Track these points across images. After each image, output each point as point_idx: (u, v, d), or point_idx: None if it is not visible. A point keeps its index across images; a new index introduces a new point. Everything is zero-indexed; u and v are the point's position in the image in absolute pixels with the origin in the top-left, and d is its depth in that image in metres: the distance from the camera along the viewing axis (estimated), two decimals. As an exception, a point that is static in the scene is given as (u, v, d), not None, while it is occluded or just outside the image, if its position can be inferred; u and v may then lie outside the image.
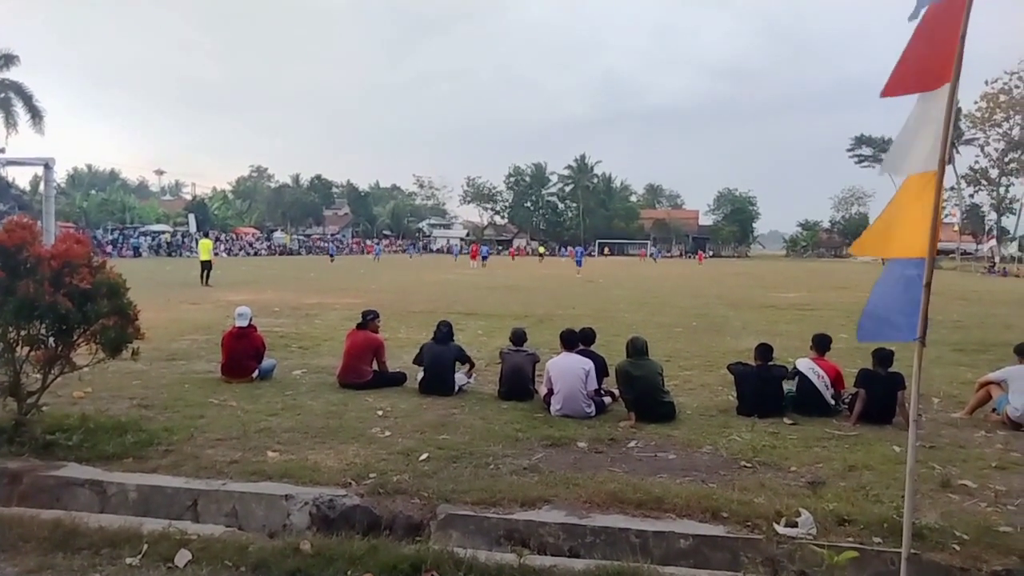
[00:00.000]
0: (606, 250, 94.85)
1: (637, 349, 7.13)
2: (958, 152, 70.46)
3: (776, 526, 4.27)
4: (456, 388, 7.85)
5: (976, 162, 75.42)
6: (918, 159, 3.46)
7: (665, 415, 6.84)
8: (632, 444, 6.11)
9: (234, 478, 5.01)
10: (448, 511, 4.55)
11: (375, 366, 8.25)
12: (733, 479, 5.20)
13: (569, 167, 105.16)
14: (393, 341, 10.52)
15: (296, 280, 29.44)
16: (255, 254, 71.07)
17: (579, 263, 46.24)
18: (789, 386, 7.35)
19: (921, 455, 5.36)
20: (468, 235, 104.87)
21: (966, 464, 5.65)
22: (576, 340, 7.54)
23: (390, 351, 8.86)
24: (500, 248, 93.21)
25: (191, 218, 71.49)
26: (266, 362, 8.56)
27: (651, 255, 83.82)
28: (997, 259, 63.45)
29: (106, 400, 7.08)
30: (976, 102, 71.21)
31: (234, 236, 79.53)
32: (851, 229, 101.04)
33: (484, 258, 50.76)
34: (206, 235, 39.52)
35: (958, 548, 4.03)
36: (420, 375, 8.00)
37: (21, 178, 64.57)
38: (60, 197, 65.13)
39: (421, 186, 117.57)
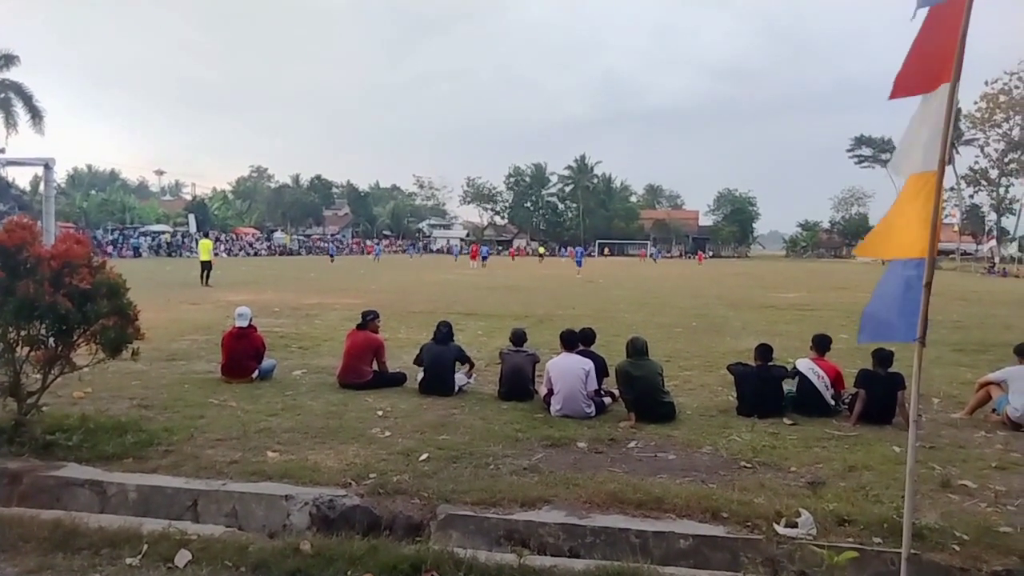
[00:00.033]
0: (606, 250, 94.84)
1: (637, 349, 7.13)
2: (958, 152, 70.57)
3: (776, 526, 4.27)
4: (456, 388, 7.85)
5: (976, 162, 75.69)
6: (917, 159, 3.47)
7: (665, 415, 6.84)
8: (632, 444, 6.11)
9: (234, 478, 5.01)
10: (448, 511, 4.55)
11: (375, 366, 8.25)
12: (733, 479, 5.20)
13: (569, 167, 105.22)
14: (393, 341, 10.52)
15: (296, 280, 29.44)
16: (255, 254, 71.08)
17: (579, 263, 46.25)
18: (789, 386, 7.35)
19: (921, 455, 5.36)
20: (468, 235, 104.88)
21: (966, 464, 5.65)
22: (576, 340, 7.54)
23: (390, 351, 8.87)
24: (500, 248, 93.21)
25: (191, 218, 71.50)
26: (266, 362, 8.56)
27: (651, 255, 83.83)
28: (997, 259, 63.43)
29: (106, 400, 7.08)
30: (976, 102, 71.43)
31: (234, 236, 79.54)
32: (851, 229, 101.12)
33: (484, 258, 50.76)
34: (206, 235, 39.58)
35: (958, 548, 4.03)
36: (420, 375, 8.00)
37: (21, 178, 64.78)
38: (60, 197, 65.03)
39: (421, 186, 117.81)
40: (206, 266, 25.24)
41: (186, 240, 66.05)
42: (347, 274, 35.25)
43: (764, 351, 7.33)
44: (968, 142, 74.08)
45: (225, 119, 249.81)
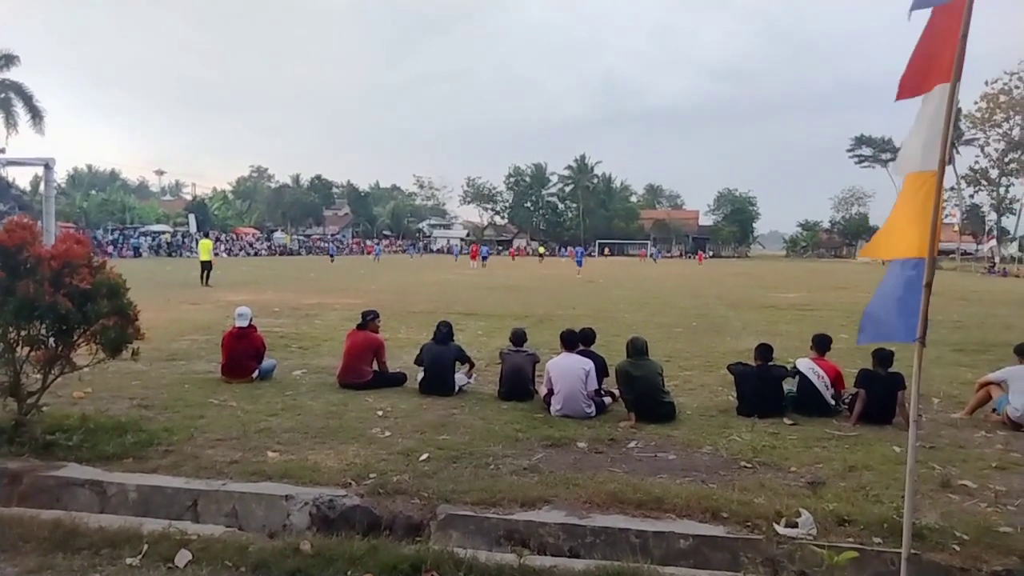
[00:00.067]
0: (606, 250, 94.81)
1: (637, 349, 7.13)
2: (958, 152, 70.58)
3: (776, 526, 4.27)
4: (456, 388, 7.85)
5: (976, 162, 75.67)
6: (915, 159, 3.47)
7: (665, 415, 6.84)
8: (632, 444, 6.11)
9: (234, 478, 5.01)
10: (448, 511, 4.55)
11: (375, 366, 8.25)
12: (733, 479, 5.20)
13: (569, 167, 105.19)
14: (393, 341, 10.52)
15: (296, 280, 29.44)
16: (255, 254, 71.09)
17: (579, 263, 46.25)
18: (789, 386, 7.35)
19: (921, 455, 5.36)
20: (468, 235, 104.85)
21: (966, 464, 5.65)
22: (576, 340, 7.54)
23: (390, 351, 8.87)
24: (500, 248, 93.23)
25: (191, 218, 71.49)
26: (266, 362, 8.56)
27: (651, 255, 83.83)
28: (997, 259, 63.46)
29: (106, 400, 7.08)
30: (976, 102, 71.42)
31: (234, 236, 79.55)
32: (851, 229, 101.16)
33: (484, 258, 50.76)
34: (206, 235, 39.57)
35: (958, 548, 4.03)
36: (420, 375, 8.00)
37: (21, 178, 64.76)
38: (60, 197, 65.04)
39: (421, 186, 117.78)
40: (206, 266, 25.24)
41: (186, 240, 66.06)
42: (347, 274, 35.25)
43: (764, 351, 7.33)
44: (968, 142, 74.10)
45: (225, 119, 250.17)
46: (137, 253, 58.45)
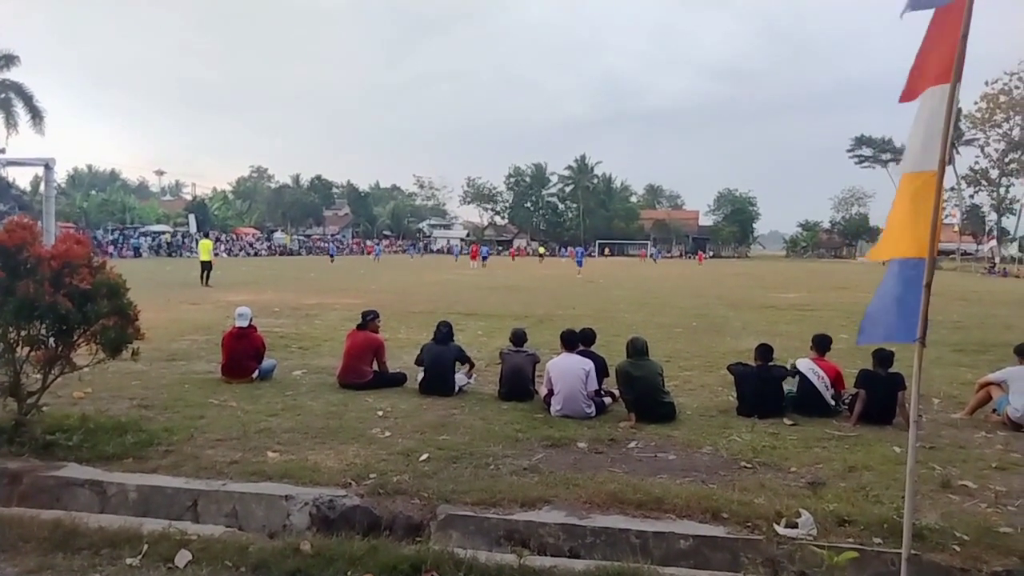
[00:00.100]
0: (606, 251, 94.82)
1: (637, 349, 7.13)
2: (958, 153, 70.60)
3: (776, 527, 4.27)
4: (456, 388, 7.84)
5: (976, 163, 75.68)
6: (911, 158, 3.47)
7: (665, 415, 6.84)
8: (632, 445, 6.11)
9: (234, 478, 5.01)
10: (448, 511, 4.55)
11: (375, 366, 8.25)
12: (733, 480, 5.20)
13: (569, 167, 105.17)
14: (393, 341, 10.52)
15: (296, 280, 29.44)
16: (255, 254, 71.09)
17: (580, 263, 46.24)
18: (789, 386, 7.35)
19: (921, 456, 5.36)
20: (468, 235, 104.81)
21: (966, 465, 5.64)
22: (576, 340, 7.54)
23: (390, 351, 8.87)
24: (500, 248, 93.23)
25: (191, 218, 71.49)
26: (266, 362, 8.56)
27: (651, 255, 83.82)
28: (997, 260, 63.47)
29: (106, 400, 7.08)
30: (976, 103, 71.46)
31: (234, 236, 79.57)
32: (851, 230, 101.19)
33: (484, 258, 50.76)
34: (206, 235, 39.61)
35: (958, 549, 4.03)
36: (420, 375, 8.00)
37: (22, 178, 64.76)
38: (60, 197, 64.98)
39: (421, 186, 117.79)
40: (206, 266, 25.24)
41: (186, 240, 66.06)
42: (347, 274, 35.25)
43: (764, 351, 7.33)
44: (968, 142, 74.13)
45: (225, 119, 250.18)
46: (137, 253, 58.45)
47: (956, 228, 74.76)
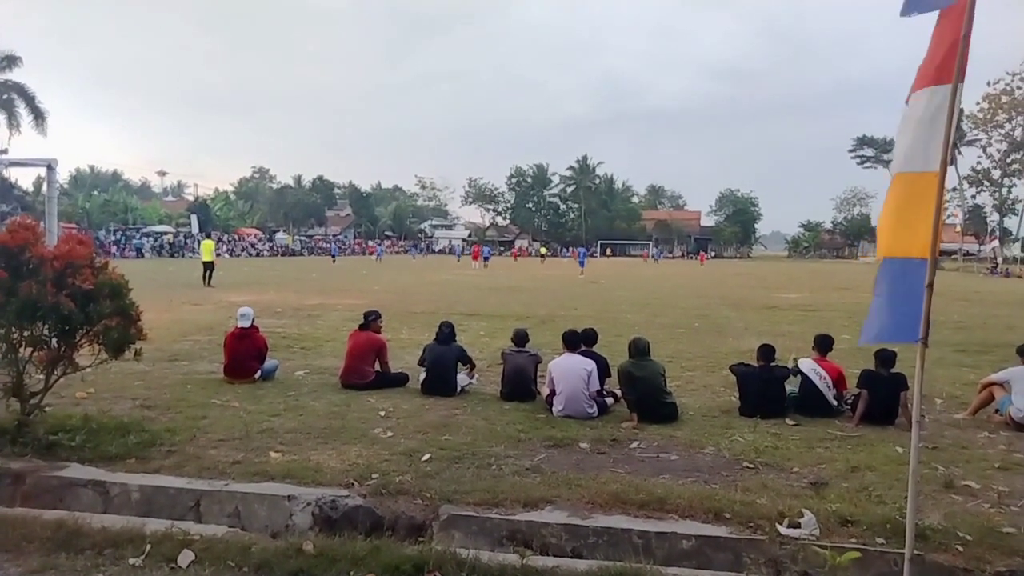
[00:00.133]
0: (608, 251, 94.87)
1: (639, 350, 7.13)
2: (960, 153, 70.48)
3: (779, 527, 4.26)
4: (458, 389, 7.85)
5: (978, 163, 75.54)
6: (910, 158, 3.46)
7: (667, 416, 6.83)
8: (634, 445, 6.11)
9: (237, 479, 5.02)
10: (450, 512, 4.55)
11: (377, 367, 8.25)
12: (736, 480, 5.19)
13: (571, 168, 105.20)
14: (395, 342, 10.52)
15: (298, 281, 29.46)
16: (257, 255, 71.14)
17: (582, 264, 46.22)
18: (791, 387, 7.35)
19: (924, 456, 5.36)
20: (470, 236, 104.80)
21: (969, 465, 5.64)
22: (578, 341, 7.54)
23: (392, 352, 8.87)
24: (502, 249, 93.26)
25: (193, 219, 71.63)
26: (268, 363, 8.56)
27: (653, 256, 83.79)
28: (999, 260, 63.36)
29: (109, 401, 7.09)
30: (978, 103, 71.37)
31: (236, 237, 79.67)
32: (853, 230, 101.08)
33: (486, 259, 50.75)
34: (208, 236, 39.74)
35: (961, 549, 4.02)
36: (422, 376, 8.00)
37: (24, 179, 64.61)
38: (63, 198, 65.20)
39: (423, 187, 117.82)
40: (208, 267, 25.26)
41: (188, 241, 66.13)
42: (349, 275, 35.28)
43: (766, 351, 7.32)
44: (971, 142, 74.04)
45: (227, 120, 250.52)
46: (139, 254, 58.52)
47: (958, 228, 74.70)
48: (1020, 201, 75.57)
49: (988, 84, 69.86)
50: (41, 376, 5.69)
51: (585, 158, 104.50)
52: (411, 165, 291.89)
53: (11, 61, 46.71)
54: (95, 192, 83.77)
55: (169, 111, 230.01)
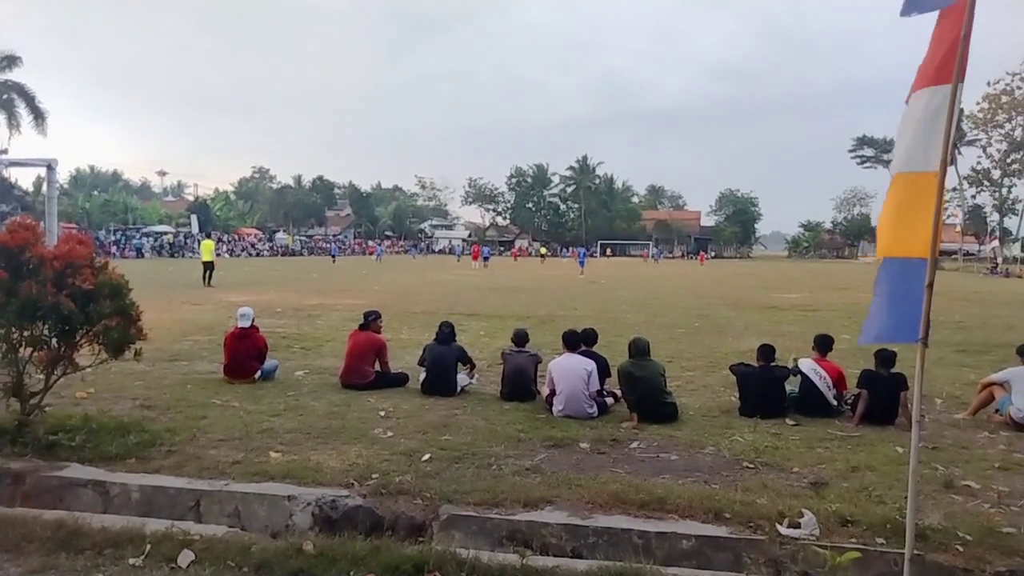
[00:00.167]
0: (608, 251, 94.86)
1: (639, 350, 7.13)
2: (960, 153, 70.46)
3: (779, 527, 4.26)
4: (458, 389, 7.85)
5: (978, 163, 75.51)
6: (909, 158, 3.46)
7: (667, 416, 6.83)
8: (634, 445, 6.11)
9: (237, 479, 5.01)
10: (451, 512, 4.55)
11: (377, 367, 8.25)
12: (736, 480, 5.19)
13: (571, 168, 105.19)
14: (395, 342, 10.52)
15: (298, 281, 29.46)
16: (257, 255, 71.14)
17: (582, 264, 46.23)
18: (791, 387, 7.35)
19: (924, 456, 5.36)
20: (470, 236, 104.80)
21: (969, 465, 5.64)
22: (578, 341, 7.54)
23: (392, 352, 8.87)
24: (502, 249, 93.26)
25: (193, 219, 71.63)
26: (268, 363, 8.56)
27: (653, 256, 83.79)
28: (999, 260, 63.36)
29: (109, 401, 7.09)
30: (978, 103, 71.33)
31: (236, 237, 79.68)
32: (853, 230, 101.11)
33: (486, 259, 50.75)
34: (208, 236, 39.73)
35: (961, 549, 4.02)
36: (422, 376, 8.00)
37: (24, 179, 64.61)
38: (63, 198, 65.19)
39: (423, 187, 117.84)
40: (208, 267, 25.27)
41: (188, 241, 66.15)
42: (349, 275, 35.28)
43: (766, 351, 7.32)
44: (971, 142, 74.03)
45: (227, 119, 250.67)
46: (139, 254, 58.53)
47: (958, 228, 74.68)
48: (1020, 201, 75.67)
49: (988, 84, 69.94)
50: (41, 376, 5.69)
51: (585, 158, 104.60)
52: (411, 165, 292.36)
53: (11, 61, 46.70)
54: (95, 192, 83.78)
55: (169, 111, 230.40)
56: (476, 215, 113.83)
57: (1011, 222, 79.32)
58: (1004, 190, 75.76)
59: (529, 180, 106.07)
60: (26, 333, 5.49)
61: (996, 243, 68.99)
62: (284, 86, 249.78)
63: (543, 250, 77.52)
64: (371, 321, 8.56)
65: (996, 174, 75.01)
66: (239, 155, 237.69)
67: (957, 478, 5.23)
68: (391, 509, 4.66)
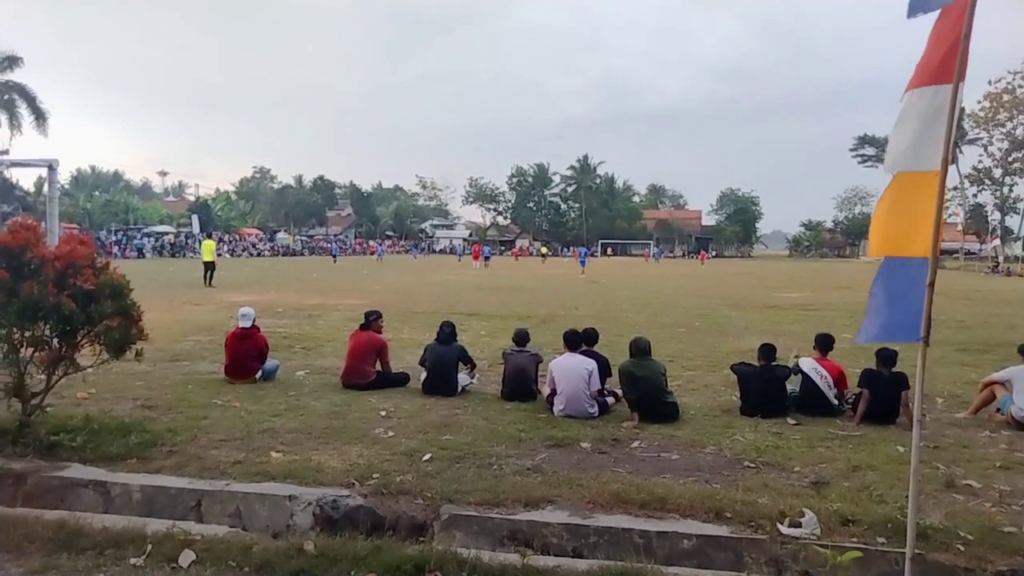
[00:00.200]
0: (609, 250, 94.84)
1: (640, 349, 7.13)
2: (961, 152, 70.34)
3: (780, 526, 4.26)
4: (459, 389, 7.85)
5: (980, 162, 75.38)
6: (908, 157, 3.46)
7: (668, 415, 6.83)
8: (635, 444, 6.11)
9: (238, 479, 5.02)
10: (452, 511, 4.55)
11: (378, 367, 8.25)
12: (737, 479, 5.19)
13: (572, 167, 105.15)
14: (396, 342, 10.52)
15: (299, 281, 29.47)
16: (258, 255, 71.16)
17: (583, 263, 46.22)
18: (792, 386, 7.34)
19: (925, 455, 5.36)
20: (471, 236, 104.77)
21: (970, 464, 5.63)
22: (579, 340, 7.54)
23: (393, 352, 8.87)
24: (503, 249, 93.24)
25: (194, 219, 71.67)
26: (269, 363, 8.56)
27: (654, 255, 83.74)
28: (1001, 259, 63.26)
29: (110, 401, 7.09)
30: (979, 102, 71.19)
31: (237, 237, 79.68)
32: (854, 229, 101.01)
33: (487, 259, 50.75)
34: (209, 236, 39.73)
35: (962, 548, 4.02)
36: (423, 376, 8.00)
37: (25, 179, 64.73)
38: (64, 198, 65.17)
39: (424, 187, 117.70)
40: (209, 267, 25.26)
41: (189, 241, 66.16)
42: (350, 274, 35.29)
43: (767, 351, 7.32)
44: (972, 141, 73.92)
45: (228, 120, 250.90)
46: (140, 254, 58.56)
47: (959, 227, 74.60)
48: (1021, 200, 75.48)
49: (989, 83, 69.79)
50: (42, 376, 5.70)
51: (586, 158, 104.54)
52: (412, 165, 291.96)
53: (12, 61, 46.69)
54: (96, 192, 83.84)
55: (170, 111, 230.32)
56: (477, 215, 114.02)
57: (1012, 221, 79.30)
58: (1005, 189, 75.63)
59: (530, 180, 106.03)
60: (27, 333, 5.50)
61: (997, 242, 68.95)
62: (285, 86, 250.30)
63: (544, 250, 77.50)
64: (372, 321, 8.56)
65: (997, 173, 74.86)
66: (240, 155, 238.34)
67: (958, 477, 5.22)
68: (392, 509, 4.66)
